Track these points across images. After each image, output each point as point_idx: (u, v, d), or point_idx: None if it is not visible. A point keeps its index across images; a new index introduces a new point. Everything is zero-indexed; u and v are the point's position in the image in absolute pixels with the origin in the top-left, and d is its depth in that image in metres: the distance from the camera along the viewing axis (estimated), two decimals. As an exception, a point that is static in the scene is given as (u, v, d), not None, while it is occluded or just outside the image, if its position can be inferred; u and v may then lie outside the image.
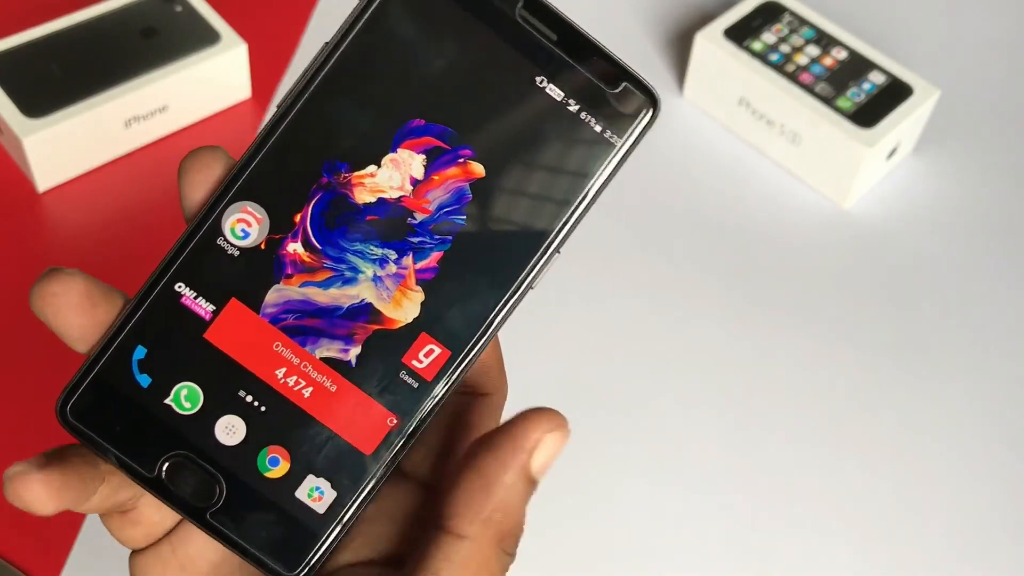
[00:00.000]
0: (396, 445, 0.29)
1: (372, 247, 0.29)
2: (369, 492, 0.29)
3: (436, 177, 0.29)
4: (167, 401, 0.29)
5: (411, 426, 0.30)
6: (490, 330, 0.30)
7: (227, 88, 0.72)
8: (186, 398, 0.29)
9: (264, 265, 0.29)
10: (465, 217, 0.29)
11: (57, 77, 0.67)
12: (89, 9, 0.71)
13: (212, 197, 0.29)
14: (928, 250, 0.70)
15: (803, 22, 0.75)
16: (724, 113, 0.75)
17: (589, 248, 0.69)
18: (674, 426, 0.61)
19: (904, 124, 0.70)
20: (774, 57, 0.73)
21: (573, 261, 0.69)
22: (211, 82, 0.70)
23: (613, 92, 0.30)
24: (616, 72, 0.30)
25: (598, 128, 0.30)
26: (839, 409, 0.63)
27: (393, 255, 0.29)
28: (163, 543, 0.30)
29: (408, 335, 0.29)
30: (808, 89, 0.71)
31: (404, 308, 0.29)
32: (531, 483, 0.29)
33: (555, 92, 0.30)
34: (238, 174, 0.29)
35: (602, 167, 0.30)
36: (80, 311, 0.29)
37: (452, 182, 0.29)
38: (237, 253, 0.29)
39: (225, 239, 0.29)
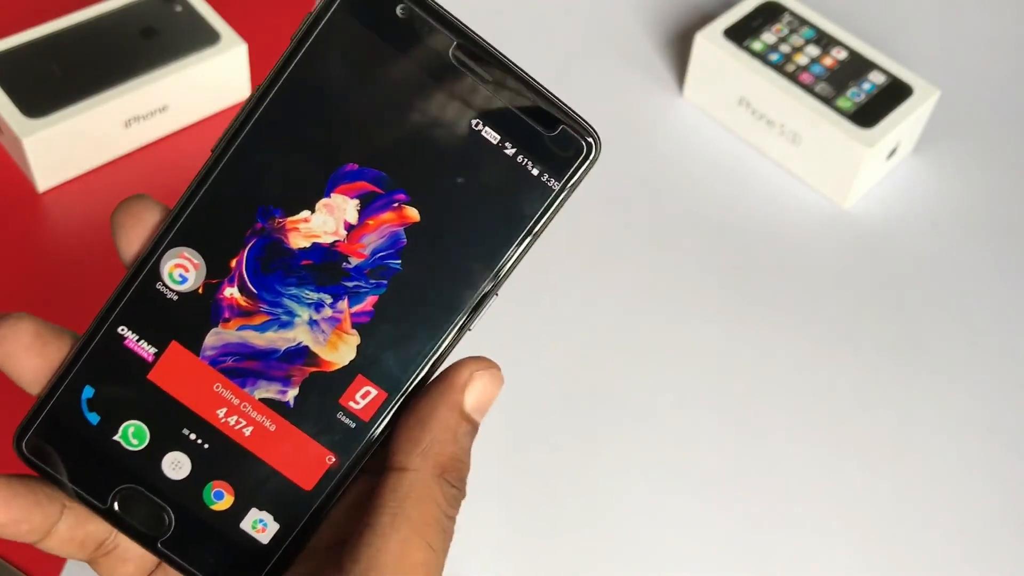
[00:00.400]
0: (335, 482, 0.30)
1: (308, 291, 0.29)
2: (311, 526, 0.30)
3: (371, 222, 0.29)
4: (116, 438, 0.30)
5: (349, 464, 0.30)
6: (425, 371, 0.30)
7: (227, 88, 0.72)
8: (133, 435, 0.30)
9: (202, 309, 0.29)
10: (400, 261, 0.29)
11: (57, 77, 0.67)
12: (89, 9, 0.71)
13: (151, 242, 0.30)
14: (928, 250, 0.70)
15: (803, 22, 0.75)
16: (724, 113, 0.75)
17: (589, 248, 0.69)
18: (673, 426, 0.61)
19: (904, 124, 0.70)
20: (774, 57, 0.73)
21: (572, 261, 0.69)
22: (211, 82, 0.70)
23: (551, 135, 0.29)
24: (554, 114, 0.29)
25: (535, 171, 0.29)
26: (839, 409, 0.63)
27: (328, 299, 0.29)
28: (157, 573, 0.32)
29: (344, 377, 0.30)
30: (808, 89, 0.71)
31: (340, 351, 0.30)
32: (467, 420, 0.30)
33: (491, 135, 0.29)
34: (175, 219, 0.29)
35: (539, 210, 0.30)
36: (31, 352, 0.30)
37: (386, 227, 0.29)
38: (176, 297, 0.29)
39: (164, 284, 0.30)
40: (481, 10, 0.82)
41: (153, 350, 0.30)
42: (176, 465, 0.30)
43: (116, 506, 0.30)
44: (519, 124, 0.29)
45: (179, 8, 0.71)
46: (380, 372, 0.30)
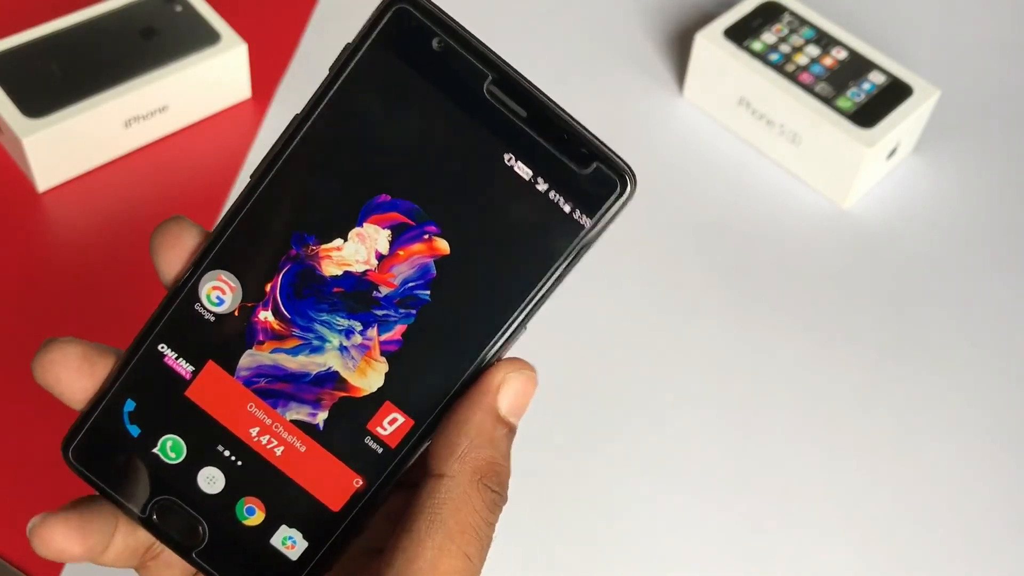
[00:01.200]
0: (362, 504, 0.31)
1: (338, 318, 0.30)
2: (338, 546, 0.31)
3: (401, 252, 0.30)
4: (155, 450, 0.31)
5: (375, 488, 0.31)
6: (453, 401, 0.31)
7: (227, 88, 0.72)
8: (171, 449, 0.31)
9: (238, 331, 0.30)
10: (429, 292, 0.30)
11: (57, 77, 0.67)
12: (89, 9, 0.71)
13: (190, 264, 0.30)
14: (928, 250, 0.70)
15: (803, 22, 0.75)
16: (724, 113, 0.75)
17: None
18: (674, 426, 0.61)
19: (904, 124, 0.70)
20: (774, 57, 0.73)
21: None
22: (211, 82, 0.70)
23: (585, 172, 0.30)
24: (588, 151, 0.29)
25: (567, 208, 0.30)
26: (839, 409, 0.63)
27: (359, 326, 0.30)
28: None
29: (373, 403, 0.30)
30: (808, 89, 0.71)
31: (369, 377, 0.30)
32: (503, 423, 0.31)
33: (523, 171, 0.29)
34: (213, 243, 0.30)
35: (570, 247, 0.30)
36: (80, 374, 0.31)
37: (417, 258, 0.30)
38: (213, 319, 0.30)
39: (202, 305, 0.30)
40: (482, 11, 0.82)
41: (191, 368, 0.30)
42: (211, 480, 0.31)
43: (154, 516, 0.31)
44: (552, 160, 0.29)
45: (179, 8, 0.71)
46: (407, 400, 0.30)
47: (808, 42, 0.74)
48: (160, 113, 0.69)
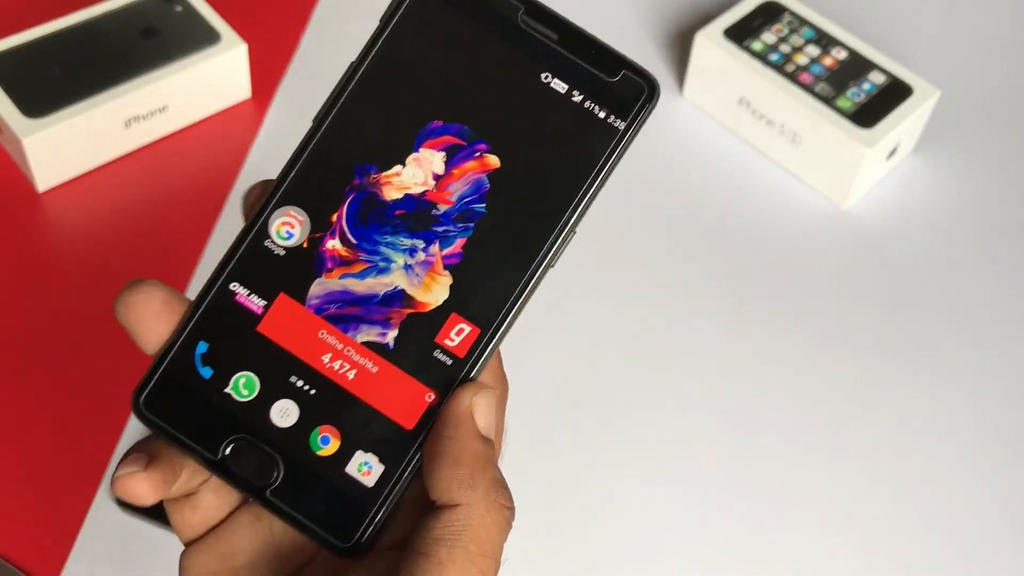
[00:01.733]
0: (433, 419, 0.32)
1: (402, 239, 0.32)
2: (413, 465, 0.32)
3: (456, 171, 0.32)
4: (227, 390, 0.32)
5: (445, 401, 0.32)
6: (515, 307, 0.32)
7: (227, 88, 0.72)
8: (244, 386, 0.32)
9: (307, 262, 0.32)
10: (484, 205, 0.32)
11: (57, 77, 0.67)
12: (89, 9, 0.71)
13: (260, 204, 0.32)
14: (928, 250, 0.70)
15: (803, 22, 0.75)
16: (724, 113, 0.75)
17: (588, 248, 0.69)
18: (673, 426, 0.61)
19: (904, 124, 0.70)
20: (774, 57, 0.73)
21: (572, 262, 0.69)
22: (211, 82, 0.71)
23: (613, 80, 0.32)
24: (614, 62, 0.32)
25: (602, 115, 0.32)
26: (838, 409, 0.63)
27: (421, 244, 0.32)
28: (210, 535, 0.33)
29: (439, 316, 0.32)
30: (808, 89, 0.71)
31: (434, 292, 0.32)
32: (489, 442, 0.31)
33: (560, 86, 0.32)
34: (281, 181, 0.32)
35: (608, 149, 0.32)
36: (160, 319, 0.32)
37: (471, 174, 0.32)
38: (283, 252, 0.32)
39: (272, 240, 0.32)
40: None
41: (262, 303, 0.32)
42: (284, 413, 0.31)
43: (227, 458, 0.31)
44: (584, 74, 0.32)
45: (179, 8, 0.71)
46: (472, 309, 0.32)
47: (808, 42, 0.74)
48: (160, 113, 0.69)
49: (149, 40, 0.70)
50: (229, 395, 0.31)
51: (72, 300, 0.63)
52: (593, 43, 0.32)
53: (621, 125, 0.32)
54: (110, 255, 0.65)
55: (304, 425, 0.31)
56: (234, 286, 0.32)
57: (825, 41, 0.74)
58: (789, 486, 0.60)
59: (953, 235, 0.71)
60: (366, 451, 0.31)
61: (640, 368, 0.64)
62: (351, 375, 0.32)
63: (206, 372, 0.32)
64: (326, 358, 0.32)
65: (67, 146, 0.66)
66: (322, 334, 0.32)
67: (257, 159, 0.71)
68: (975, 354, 0.66)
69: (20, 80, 0.67)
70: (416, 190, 0.32)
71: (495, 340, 0.32)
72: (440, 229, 0.32)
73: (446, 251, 0.32)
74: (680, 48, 0.80)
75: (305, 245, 0.32)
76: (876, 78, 0.72)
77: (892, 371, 0.64)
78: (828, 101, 0.70)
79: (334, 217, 0.32)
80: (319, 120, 0.32)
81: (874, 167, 0.71)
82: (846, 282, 0.68)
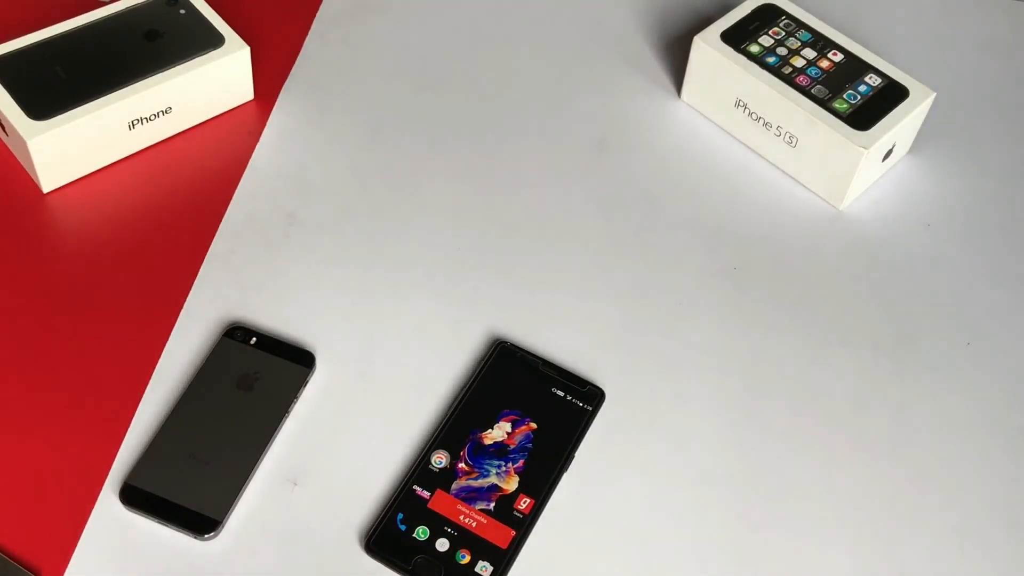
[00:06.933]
0: (515, 543, 0.57)
1: (494, 461, 0.59)
2: (507, 566, 0.56)
3: (516, 431, 0.60)
4: (414, 535, 0.57)
5: (520, 534, 0.57)
6: (551, 487, 0.59)
7: (230, 90, 0.72)
8: (421, 532, 0.57)
9: (450, 474, 0.59)
10: (531, 446, 0.60)
11: (62, 79, 0.68)
12: (93, 12, 0.71)
13: (426, 448, 0.60)
14: (923, 251, 0.71)
15: (800, 25, 0.76)
16: (721, 115, 0.76)
17: (587, 248, 0.69)
18: (672, 426, 0.62)
19: (900, 126, 0.71)
20: (771, 60, 0.73)
21: (571, 262, 0.70)
22: (215, 84, 0.71)
23: (584, 390, 0.62)
24: (584, 383, 0.63)
25: (580, 404, 0.62)
26: (835, 409, 0.63)
27: (503, 464, 0.59)
28: None
29: (514, 495, 0.58)
30: (805, 91, 0.71)
31: (511, 483, 0.59)
32: None
33: (560, 393, 0.62)
34: (435, 436, 0.60)
35: (584, 420, 0.61)
36: None
37: (522, 432, 0.60)
38: (438, 471, 0.59)
39: (431, 466, 0.59)
40: (483, 13, 0.82)
41: (428, 494, 0.58)
42: (443, 544, 0.56)
43: (415, 567, 0.56)
44: (572, 388, 0.62)
45: (183, 11, 0.72)
46: (529, 491, 0.58)
47: (805, 45, 0.74)
48: (164, 115, 0.70)
49: (153, 43, 0.70)
50: (414, 537, 0.56)
51: (76, 300, 0.63)
52: (577, 379, 0.62)
53: (588, 408, 0.61)
54: (114, 255, 0.66)
55: (452, 550, 0.56)
56: (415, 487, 0.58)
57: (821, 44, 0.75)
58: (787, 485, 0.60)
59: (948, 236, 0.72)
60: (484, 560, 0.56)
61: (638, 367, 0.64)
62: (474, 524, 0.57)
63: (403, 527, 0.57)
64: (461, 517, 0.57)
65: (71, 147, 0.67)
66: (459, 507, 0.57)
67: (260, 161, 0.71)
68: (970, 353, 0.66)
69: (25, 82, 0.67)
70: (499, 438, 0.60)
71: (543, 504, 0.58)
72: (511, 455, 0.59)
73: (515, 465, 0.59)
74: (678, 51, 0.80)
75: (447, 466, 0.59)
76: (872, 80, 0.72)
77: (887, 370, 0.65)
78: (824, 103, 0.71)
79: (462, 452, 0.59)
80: (457, 404, 0.61)
81: (870, 168, 0.71)
82: (842, 282, 0.69)
